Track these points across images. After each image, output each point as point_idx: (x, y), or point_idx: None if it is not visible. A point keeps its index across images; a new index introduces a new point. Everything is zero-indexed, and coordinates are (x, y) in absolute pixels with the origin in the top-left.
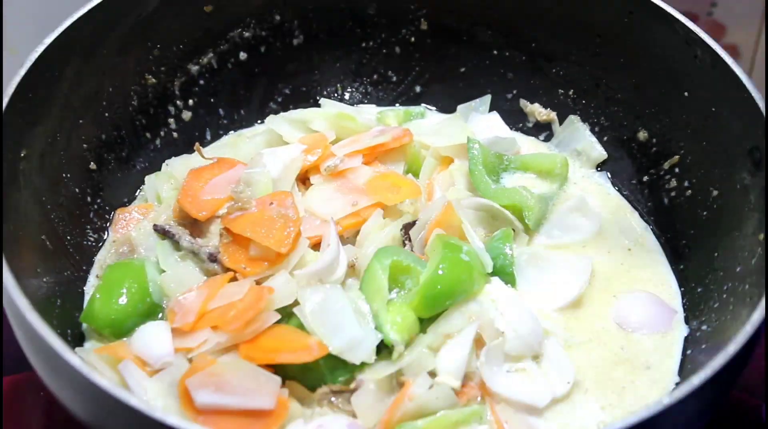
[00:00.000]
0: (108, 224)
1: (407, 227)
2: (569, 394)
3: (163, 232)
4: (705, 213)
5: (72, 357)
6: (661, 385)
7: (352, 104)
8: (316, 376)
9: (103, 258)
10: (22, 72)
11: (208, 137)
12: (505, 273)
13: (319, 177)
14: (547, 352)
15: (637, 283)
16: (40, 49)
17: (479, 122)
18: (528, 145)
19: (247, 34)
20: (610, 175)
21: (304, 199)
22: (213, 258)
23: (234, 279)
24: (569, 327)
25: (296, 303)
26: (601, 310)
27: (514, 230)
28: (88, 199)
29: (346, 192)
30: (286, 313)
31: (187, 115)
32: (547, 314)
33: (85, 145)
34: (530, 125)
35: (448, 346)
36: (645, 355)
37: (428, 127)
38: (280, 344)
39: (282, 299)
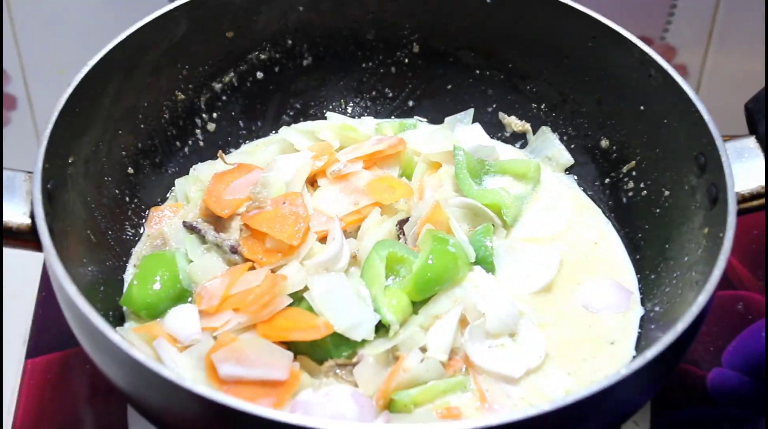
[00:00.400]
0: (143, 221)
1: (401, 223)
2: (541, 366)
3: (191, 228)
4: (658, 210)
5: (113, 335)
6: (620, 358)
7: (353, 117)
8: (323, 351)
9: (139, 250)
10: (70, 90)
11: (230, 145)
12: (485, 262)
13: (326, 180)
14: (522, 330)
15: (599, 271)
16: (85, 70)
17: (464, 132)
18: (506, 152)
19: (263, 56)
20: (576, 178)
21: (313, 199)
22: (234, 250)
23: (252, 268)
24: (541, 309)
25: (306, 289)
26: (568, 295)
27: (493, 225)
28: (127, 199)
29: (349, 193)
30: (297, 297)
31: (211, 126)
32: (521, 298)
33: (123, 153)
34: (508, 135)
35: (436, 325)
36: (608, 333)
37: (420, 136)
38: (292, 324)
39: (294, 285)
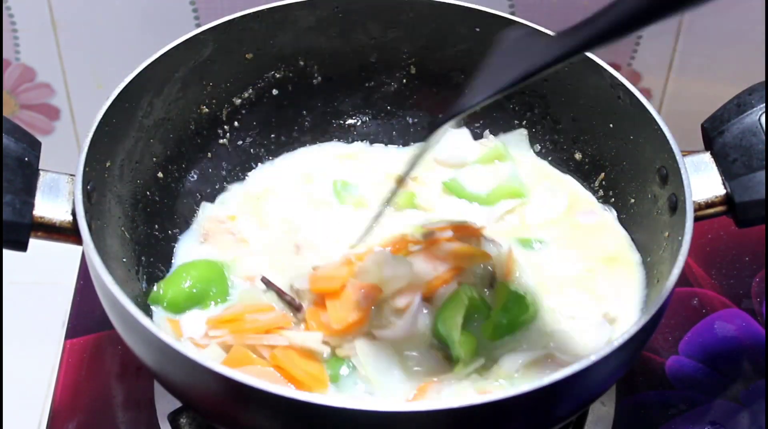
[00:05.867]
0: (176, 218)
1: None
2: None
3: (267, 284)
4: (624, 215)
5: (145, 320)
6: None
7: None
8: None
9: (185, 248)
10: (108, 103)
11: (248, 154)
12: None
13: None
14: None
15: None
16: (122, 85)
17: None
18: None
19: (278, 76)
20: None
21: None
22: (297, 308)
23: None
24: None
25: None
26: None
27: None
28: (157, 199)
29: (431, 260)
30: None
31: (231, 136)
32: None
33: (154, 159)
34: None
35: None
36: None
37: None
38: (297, 369)
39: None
